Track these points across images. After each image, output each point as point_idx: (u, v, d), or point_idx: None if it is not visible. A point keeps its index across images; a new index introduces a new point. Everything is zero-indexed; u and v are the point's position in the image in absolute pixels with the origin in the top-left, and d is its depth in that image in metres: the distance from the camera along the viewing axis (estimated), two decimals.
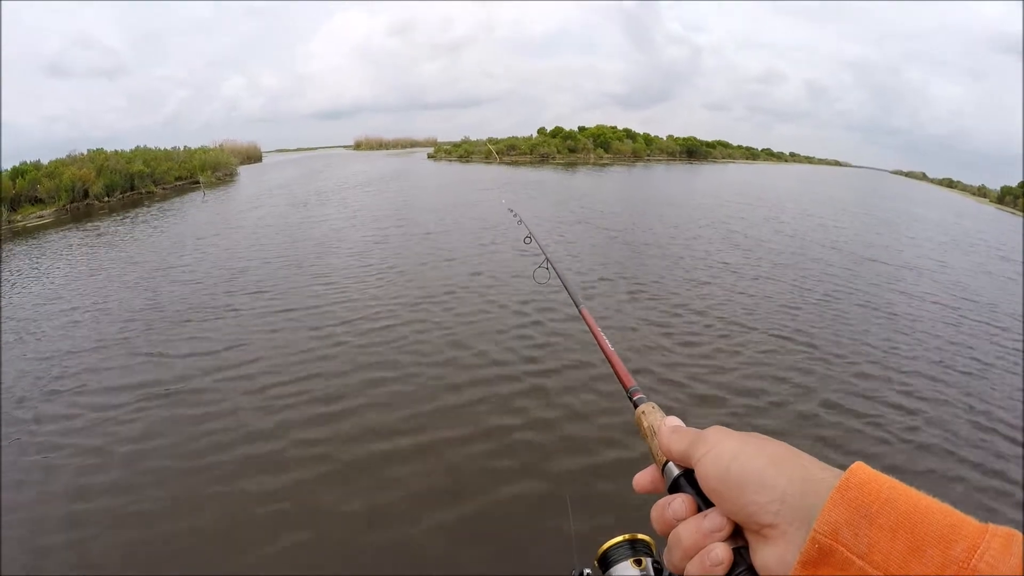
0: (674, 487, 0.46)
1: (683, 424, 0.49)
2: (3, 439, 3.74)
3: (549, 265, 1.29)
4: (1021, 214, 29.79)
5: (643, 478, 0.49)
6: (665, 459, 0.47)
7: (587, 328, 0.81)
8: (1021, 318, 7.20)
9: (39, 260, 9.19)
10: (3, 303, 6.77)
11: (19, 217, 14.14)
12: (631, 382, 0.61)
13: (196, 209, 14.72)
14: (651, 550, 0.60)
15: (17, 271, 8.53)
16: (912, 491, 0.33)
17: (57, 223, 13.64)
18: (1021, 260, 11.97)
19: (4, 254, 9.97)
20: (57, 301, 6.76)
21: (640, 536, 0.61)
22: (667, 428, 0.48)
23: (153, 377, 4.60)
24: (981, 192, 42.45)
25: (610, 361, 0.67)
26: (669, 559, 0.43)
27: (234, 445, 3.63)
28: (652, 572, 0.58)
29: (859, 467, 0.35)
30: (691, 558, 0.41)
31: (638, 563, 0.58)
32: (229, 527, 2.91)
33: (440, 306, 6.20)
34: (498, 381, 4.45)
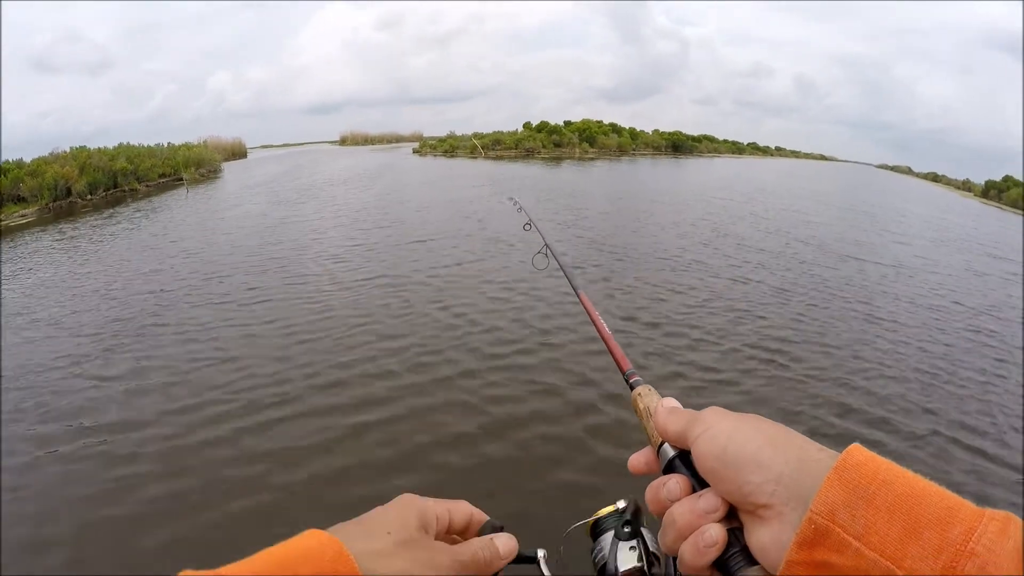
0: (669, 468, 0.46)
1: (680, 405, 0.49)
2: None
3: (548, 251, 1.31)
4: (1011, 209, 30.06)
5: (638, 459, 0.49)
6: (661, 440, 0.47)
7: (584, 312, 0.82)
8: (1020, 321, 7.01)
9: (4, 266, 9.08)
10: None
11: (2, 216, 14.26)
12: (628, 364, 0.61)
13: (176, 208, 14.83)
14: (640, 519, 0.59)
15: None
16: (909, 473, 0.33)
17: (40, 222, 13.78)
18: (1022, 260, 11.76)
19: None
20: (13, 316, 6.58)
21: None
22: (664, 409, 0.48)
23: (91, 410, 4.20)
24: (966, 186, 42.84)
25: (607, 344, 0.68)
26: (663, 540, 0.43)
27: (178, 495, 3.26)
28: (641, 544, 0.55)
29: (856, 448, 0.34)
30: (685, 539, 0.40)
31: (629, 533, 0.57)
32: None
33: (425, 318, 5.98)
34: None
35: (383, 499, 0.45)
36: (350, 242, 9.77)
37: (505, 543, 0.47)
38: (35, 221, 13.97)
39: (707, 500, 0.40)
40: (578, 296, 0.90)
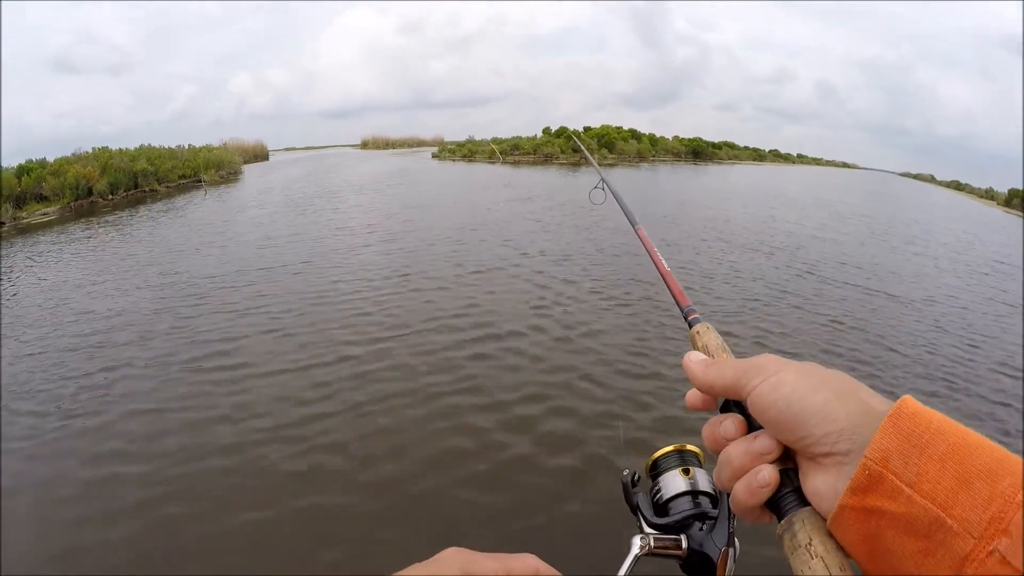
0: (725, 407, 0.46)
1: (729, 354, 0.49)
2: None
3: (604, 185, 1.31)
4: None
5: (696, 396, 0.49)
6: None
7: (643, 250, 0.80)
8: None
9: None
10: None
11: (24, 214, 14.25)
12: (686, 301, 0.60)
13: (189, 213, 14.51)
14: (700, 461, 0.61)
15: None
16: (960, 426, 0.33)
17: (61, 220, 13.74)
18: None
19: None
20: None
21: (689, 447, 0.61)
22: (702, 361, 0.47)
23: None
24: (989, 195, 42.17)
25: (665, 280, 0.68)
26: (719, 477, 0.44)
27: None
28: (700, 482, 0.58)
29: (909, 399, 0.35)
30: (740, 478, 0.41)
31: (686, 472, 0.59)
32: None
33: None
34: None
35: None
36: (366, 270, 9.20)
37: None
38: (57, 219, 13.93)
39: (762, 442, 0.40)
40: (636, 231, 0.86)
